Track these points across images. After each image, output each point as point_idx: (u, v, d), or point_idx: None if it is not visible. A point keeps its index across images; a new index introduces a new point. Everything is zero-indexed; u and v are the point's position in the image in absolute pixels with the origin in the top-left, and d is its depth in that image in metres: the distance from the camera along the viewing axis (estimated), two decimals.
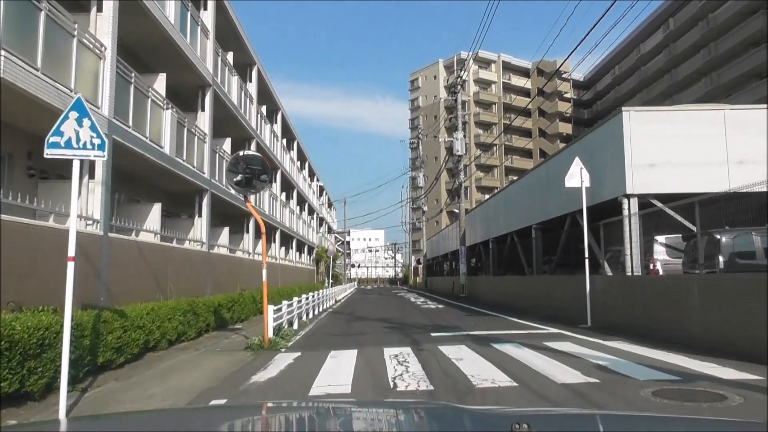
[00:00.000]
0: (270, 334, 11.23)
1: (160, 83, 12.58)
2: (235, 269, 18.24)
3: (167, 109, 12.40)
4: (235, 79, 18.61)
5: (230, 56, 18.62)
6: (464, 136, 30.92)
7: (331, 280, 52.48)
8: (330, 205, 64.31)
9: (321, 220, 50.95)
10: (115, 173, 12.32)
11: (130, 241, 10.34)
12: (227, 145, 18.30)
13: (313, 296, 20.17)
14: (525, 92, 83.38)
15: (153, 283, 11.33)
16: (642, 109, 15.46)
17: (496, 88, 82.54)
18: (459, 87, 30.42)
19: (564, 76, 75.76)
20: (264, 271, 11.00)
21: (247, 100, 20.46)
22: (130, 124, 10.38)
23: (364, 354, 9.47)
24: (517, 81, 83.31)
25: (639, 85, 67.74)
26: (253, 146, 21.30)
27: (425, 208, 51.04)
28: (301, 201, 37.10)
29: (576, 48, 71.08)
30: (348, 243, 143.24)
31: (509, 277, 23.80)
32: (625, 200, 12.69)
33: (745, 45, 45.21)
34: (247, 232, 20.88)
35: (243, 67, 21.26)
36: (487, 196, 46.42)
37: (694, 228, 11.62)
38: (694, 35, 53.49)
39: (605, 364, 7.86)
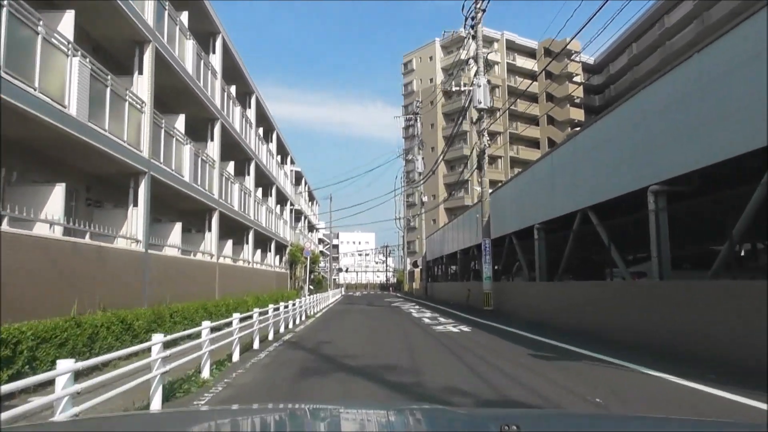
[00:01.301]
0: None
1: None
2: (78, 272, 9.17)
3: None
4: None
5: None
6: (488, 82, 22.10)
7: (310, 287, 43.47)
8: (312, 199, 55.24)
9: (298, 214, 41.88)
10: None
11: None
12: (68, 26, 9.30)
13: (255, 317, 11.31)
14: (531, 75, 75.00)
15: None
16: None
17: (499, 69, 73.93)
18: (478, 14, 21.69)
19: (574, 56, 67.27)
20: None
21: None
22: None
23: None
24: (523, 63, 74.97)
25: (661, 64, 59.06)
26: (148, 56, 12.27)
27: (425, 199, 42.03)
28: (265, 183, 28.08)
29: (588, 23, 62.82)
30: (336, 246, 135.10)
31: (579, 283, 14.93)
32: None
33: None
34: (135, 205, 11.80)
35: None
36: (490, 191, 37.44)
37: None
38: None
39: None
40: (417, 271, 55.13)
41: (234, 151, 21.12)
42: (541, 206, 17.14)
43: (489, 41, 74.67)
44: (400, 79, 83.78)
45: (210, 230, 17.59)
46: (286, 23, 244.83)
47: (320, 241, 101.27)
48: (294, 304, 18.46)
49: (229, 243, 20.43)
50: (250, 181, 23.56)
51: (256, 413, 2.35)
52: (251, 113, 24.17)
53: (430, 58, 77.46)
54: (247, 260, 23.21)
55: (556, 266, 17.16)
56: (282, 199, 34.13)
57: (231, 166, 20.73)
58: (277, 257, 32.16)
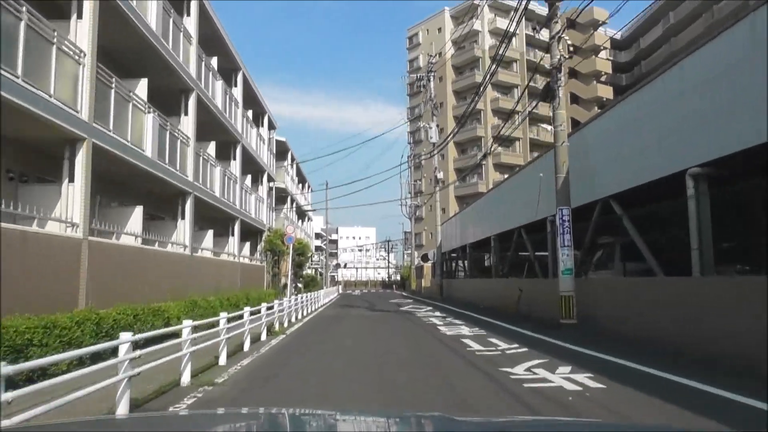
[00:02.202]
0: None
1: None
2: None
3: None
4: None
5: None
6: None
7: (298, 284, 35.24)
8: (303, 182, 46.95)
9: (281, 193, 33.62)
10: None
11: None
12: None
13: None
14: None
15: None
16: None
17: (517, 41, 65.51)
18: None
19: (600, 26, 58.75)
20: None
21: None
22: None
23: None
24: (545, 34, 66.54)
25: (706, 32, 50.47)
26: None
27: (440, 175, 33.61)
28: (224, 139, 19.87)
29: None
30: (335, 242, 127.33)
31: None
32: None
33: None
34: None
35: None
36: (506, 176, 29.15)
37: None
38: None
39: None
40: (426, 266, 46.86)
41: (148, 65, 12.83)
42: (715, 129, 8.84)
43: (506, 10, 66.40)
44: (400, 78, 75.49)
45: (72, 180, 9.29)
46: (283, 23, 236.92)
47: (317, 235, 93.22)
48: (246, 316, 10.34)
49: (137, 214, 12.17)
50: (188, 123, 15.29)
51: (246, 418, 2.30)
52: (190, 23, 15.83)
53: (439, 29, 69.09)
54: (183, 245, 14.93)
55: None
56: (256, 171, 25.90)
57: (141, 87, 12.44)
58: (248, 245, 23.91)
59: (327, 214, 51.35)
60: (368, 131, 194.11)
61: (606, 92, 64.20)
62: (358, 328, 15.40)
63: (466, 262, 31.05)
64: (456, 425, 2.06)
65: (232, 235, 20.69)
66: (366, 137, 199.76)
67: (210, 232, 17.81)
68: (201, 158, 16.31)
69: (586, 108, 64.54)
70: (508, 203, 20.96)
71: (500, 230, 22.02)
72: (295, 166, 38.79)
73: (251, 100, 24.69)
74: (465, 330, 13.60)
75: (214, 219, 19.36)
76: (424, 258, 45.66)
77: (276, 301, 15.34)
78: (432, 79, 34.14)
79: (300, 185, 44.34)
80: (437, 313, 20.06)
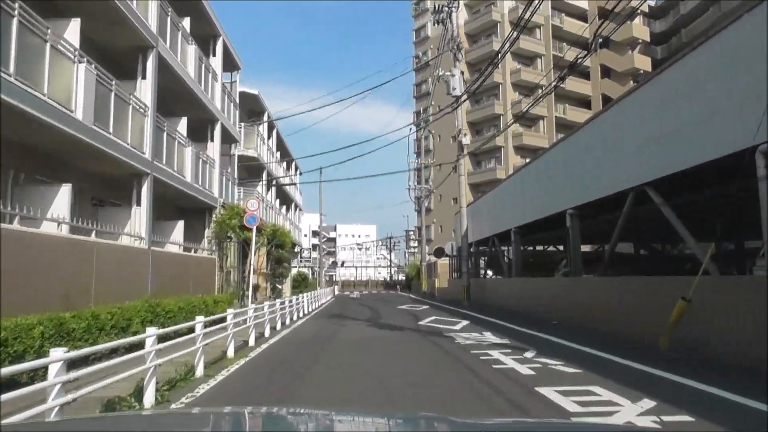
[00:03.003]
0: None
1: None
2: None
3: None
4: None
5: None
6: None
7: (278, 286, 26.68)
8: (291, 162, 38.33)
9: (249, 162, 25.03)
10: None
11: None
12: None
13: None
14: (582, 16, 58.28)
15: None
16: None
17: (541, 3, 56.97)
18: None
19: None
20: None
21: None
22: None
23: None
24: None
25: None
26: None
27: (465, 140, 24.91)
28: (117, 37, 11.41)
29: None
30: (333, 239, 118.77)
31: None
32: None
33: None
34: None
35: None
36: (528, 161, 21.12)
37: None
38: None
39: None
40: (441, 262, 38.28)
41: None
42: None
43: None
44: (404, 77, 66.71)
45: None
46: (284, 23, 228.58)
47: (315, 233, 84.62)
48: None
49: None
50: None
51: (245, 416, 2.25)
52: None
53: None
54: None
55: None
56: (204, 119, 17.39)
57: None
58: (181, 225, 15.33)
59: (321, 194, 42.72)
60: (368, 131, 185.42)
61: (643, 63, 55.58)
62: (350, 382, 6.83)
63: (486, 256, 22.47)
64: (455, 426, 2.01)
65: (138, 204, 12.09)
66: (366, 137, 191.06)
67: (63, 191, 9.23)
68: (17, 21, 7.73)
69: (618, 82, 55.98)
70: (605, 149, 12.40)
71: (585, 200, 13.45)
72: (275, 134, 30.14)
73: (191, 8, 16.09)
74: (624, 407, 5.08)
75: (83, 170, 10.85)
76: (438, 253, 37.04)
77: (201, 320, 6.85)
78: (455, 11, 25.49)
79: (285, 165, 35.75)
80: (488, 336, 11.52)
